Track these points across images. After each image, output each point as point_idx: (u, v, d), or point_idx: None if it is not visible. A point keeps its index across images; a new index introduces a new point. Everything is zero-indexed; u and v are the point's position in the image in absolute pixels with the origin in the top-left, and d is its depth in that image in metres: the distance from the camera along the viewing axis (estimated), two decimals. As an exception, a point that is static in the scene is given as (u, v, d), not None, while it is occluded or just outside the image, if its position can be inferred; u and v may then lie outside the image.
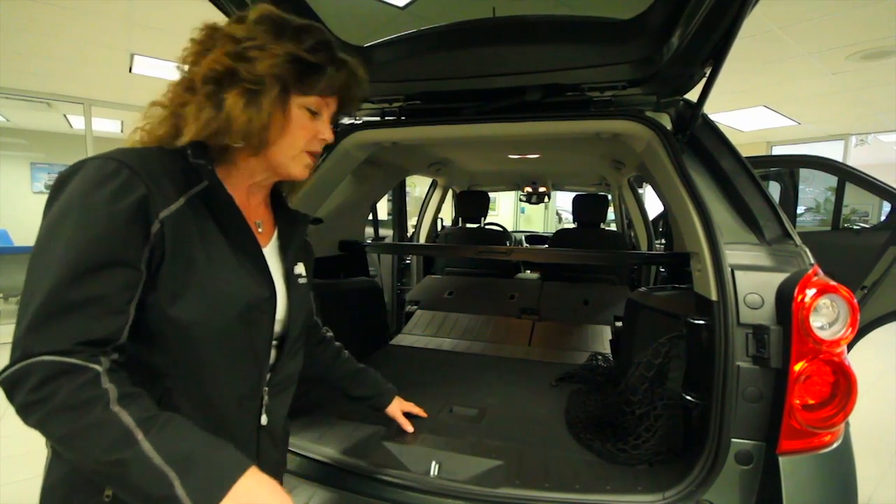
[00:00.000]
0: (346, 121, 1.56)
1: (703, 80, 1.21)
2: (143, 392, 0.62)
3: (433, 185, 3.69)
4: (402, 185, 3.06)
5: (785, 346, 1.02)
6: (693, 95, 1.31)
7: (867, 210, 4.78)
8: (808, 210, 5.55)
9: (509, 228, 5.02)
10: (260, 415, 0.80)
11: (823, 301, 1.01)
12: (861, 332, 2.16)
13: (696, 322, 1.22)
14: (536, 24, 1.27)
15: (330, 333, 1.27)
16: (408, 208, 3.21)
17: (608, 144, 1.91)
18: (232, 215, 0.73)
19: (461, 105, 1.56)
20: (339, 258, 2.16)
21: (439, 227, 3.97)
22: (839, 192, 2.45)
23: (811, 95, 4.98)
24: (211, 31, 0.72)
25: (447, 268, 3.59)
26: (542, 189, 3.86)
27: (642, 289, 2.14)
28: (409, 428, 1.36)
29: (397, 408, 1.36)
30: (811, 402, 1.03)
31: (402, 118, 1.64)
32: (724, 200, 1.25)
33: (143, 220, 0.63)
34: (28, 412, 0.56)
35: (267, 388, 0.80)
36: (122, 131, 7.10)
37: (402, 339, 2.66)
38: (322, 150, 0.83)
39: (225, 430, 0.73)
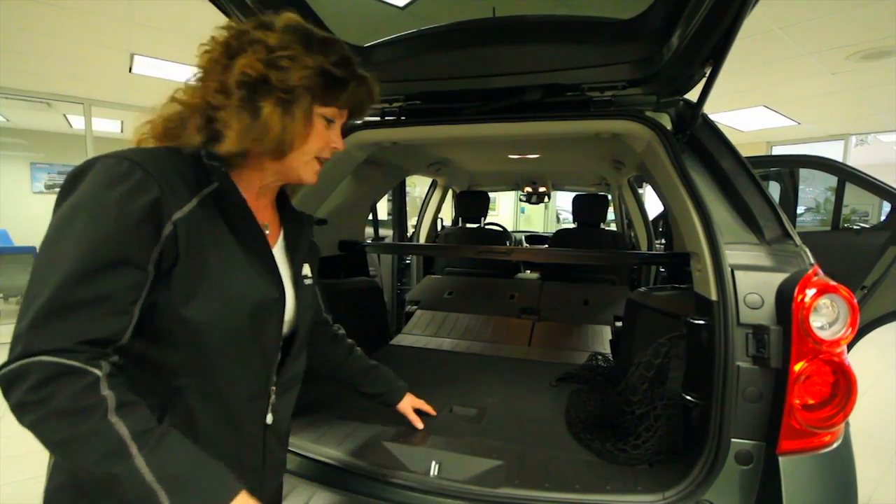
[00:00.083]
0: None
1: (703, 80, 1.20)
2: (141, 401, 0.62)
3: (433, 185, 3.69)
4: (402, 185, 3.06)
5: (785, 346, 1.02)
6: (693, 95, 1.31)
7: (867, 210, 4.78)
8: (808, 210, 5.55)
9: (509, 228, 5.02)
10: (266, 414, 0.80)
11: (823, 301, 1.01)
12: (861, 332, 2.16)
13: (696, 322, 1.22)
14: (536, 24, 1.27)
15: (342, 331, 1.29)
16: (407, 208, 3.21)
17: (608, 144, 1.91)
18: (244, 217, 0.74)
19: (461, 105, 1.56)
20: (339, 258, 2.16)
21: (439, 227, 3.97)
22: (839, 192, 2.45)
23: (811, 95, 4.98)
24: (238, 34, 0.71)
25: (447, 268, 3.59)
26: (542, 189, 3.87)
27: (642, 289, 2.14)
28: (420, 425, 1.39)
29: (408, 404, 1.39)
30: (811, 402, 1.03)
31: (402, 118, 1.64)
32: (724, 200, 1.25)
33: (155, 221, 0.63)
34: (23, 412, 0.56)
35: (274, 388, 0.81)
36: (122, 131, 7.10)
37: (402, 339, 2.66)
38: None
39: (234, 429, 0.74)
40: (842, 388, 1.02)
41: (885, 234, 2.29)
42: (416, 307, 3.05)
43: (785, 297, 1.04)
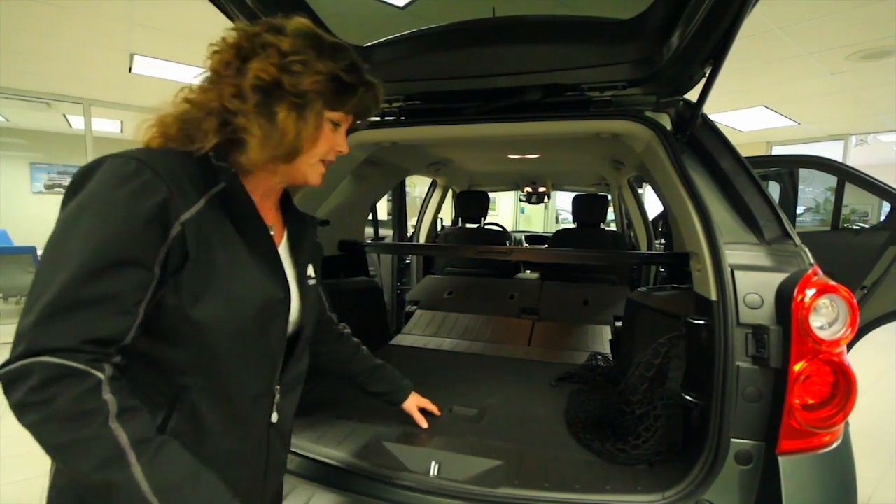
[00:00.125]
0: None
1: (703, 80, 1.21)
2: (142, 406, 0.62)
3: (433, 185, 3.69)
4: (402, 185, 3.06)
5: (784, 346, 1.02)
6: (693, 95, 1.31)
7: (867, 210, 4.79)
8: (807, 210, 5.55)
9: (509, 228, 5.02)
10: (271, 413, 0.81)
11: (823, 301, 1.01)
12: (861, 332, 2.16)
13: (696, 322, 1.22)
14: (536, 24, 1.27)
15: (347, 330, 1.30)
16: (407, 208, 3.21)
17: (608, 144, 1.91)
18: (251, 218, 0.74)
19: (461, 105, 1.56)
20: (338, 258, 2.16)
21: (439, 227, 3.97)
22: (839, 192, 2.46)
23: (811, 95, 4.98)
24: (250, 37, 0.71)
25: (447, 268, 3.59)
26: (541, 189, 3.86)
27: (642, 289, 2.14)
28: (424, 424, 1.40)
29: (413, 403, 1.41)
30: (811, 401, 1.03)
31: (402, 118, 1.64)
32: (723, 200, 1.25)
33: (163, 222, 0.63)
34: (24, 412, 0.56)
35: (278, 387, 0.82)
36: (121, 131, 7.10)
37: (402, 339, 2.66)
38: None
39: (239, 428, 0.75)
40: (841, 388, 1.02)
41: (884, 234, 2.29)
42: (415, 307, 3.05)
43: (785, 297, 1.04)
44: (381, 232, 3.04)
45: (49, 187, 7.37)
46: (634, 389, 1.40)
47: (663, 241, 2.99)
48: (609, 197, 3.77)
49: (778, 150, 7.30)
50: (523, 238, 5.48)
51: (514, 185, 4.19)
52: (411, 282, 3.41)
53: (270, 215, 0.85)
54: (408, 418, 1.43)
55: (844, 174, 2.39)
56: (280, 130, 0.70)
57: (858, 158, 6.80)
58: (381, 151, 1.88)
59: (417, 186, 7.72)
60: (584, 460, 1.30)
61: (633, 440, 1.30)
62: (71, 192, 0.63)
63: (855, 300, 1.00)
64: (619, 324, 2.64)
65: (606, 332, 2.66)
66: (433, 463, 1.21)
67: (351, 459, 1.25)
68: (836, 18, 3.16)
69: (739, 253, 1.15)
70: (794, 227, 1.21)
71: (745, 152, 1.34)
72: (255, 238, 0.74)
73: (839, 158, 6.00)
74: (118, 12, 3.25)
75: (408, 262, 3.32)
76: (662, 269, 2.76)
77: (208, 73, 0.73)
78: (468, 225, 3.87)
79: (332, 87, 0.74)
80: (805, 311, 1.00)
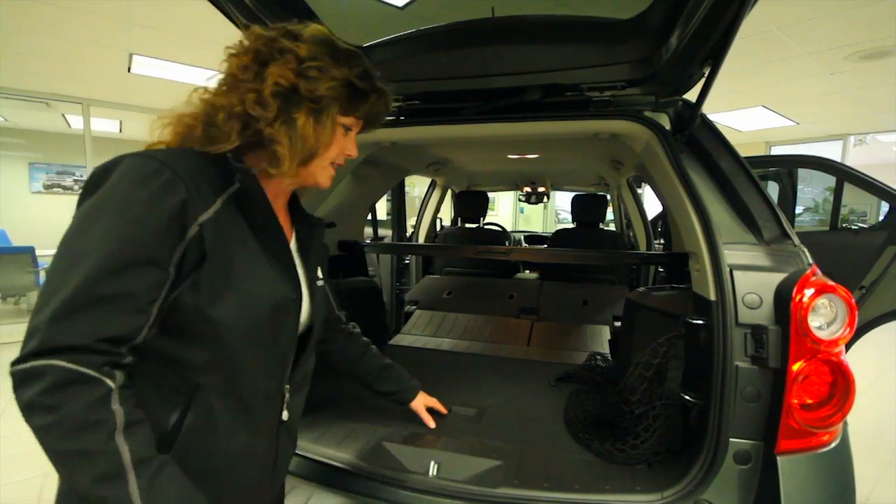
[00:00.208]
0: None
1: (702, 81, 1.21)
2: (146, 419, 0.62)
3: (432, 185, 3.69)
4: (401, 185, 3.06)
5: (783, 345, 1.02)
6: (692, 95, 1.31)
7: (865, 210, 4.79)
8: (806, 210, 5.56)
9: (508, 228, 5.02)
10: (282, 411, 0.82)
11: (822, 301, 1.01)
12: (859, 332, 2.17)
13: (695, 322, 1.22)
14: (535, 24, 1.27)
15: (357, 329, 1.32)
16: (406, 208, 3.21)
17: (607, 144, 1.91)
18: (267, 218, 0.75)
19: (460, 105, 1.55)
20: (338, 258, 2.16)
21: (438, 228, 3.97)
22: (837, 192, 2.46)
23: (810, 95, 4.99)
24: (268, 41, 0.73)
25: (446, 268, 3.59)
26: (541, 189, 3.87)
27: (641, 289, 2.14)
28: (431, 424, 1.41)
29: (421, 403, 1.43)
30: (809, 401, 1.03)
31: (402, 118, 1.64)
32: (722, 200, 1.25)
33: (181, 223, 0.63)
34: (32, 413, 0.56)
35: (288, 386, 0.83)
36: (120, 131, 7.09)
37: (401, 339, 2.66)
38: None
39: (251, 426, 0.76)
40: (840, 387, 1.02)
41: (883, 233, 2.29)
42: (415, 307, 3.05)
43: (783, 297, 1.04)
44: (381, 232, 3.04)
45: (48, 187, 7.36)
46: (633, 389, 1.41)
47: (662, 241, 2.99)
48: (608, 197, 3.77)
49: (777, 150, 7.31)
50: (522, 238, 5.49)
51: (513, 185, 4.20)
52: (410, 282, 3.41)
53: (280, 217, 0.86)
54: (406, 418, 1.43)
55: (843, 174, 2.40)
56: (300, 136, 0.72)
57: (857, 158, 6.81)
58: (381, 151, 1.88)
59: (417, 186, 7.72)
60: (584, 460, 1.30)
61: (633, 440, 1.30)
62: (88, 190, 0.64)
63: (853, 300, 1.01)
64: (618, 324, 2.65)
65: (605, 332, 2.66)
66: (432, 463, 1.21)
67: (350, 459, 1.25)
68: (835, 19, 3.16)
69: (738, 253, 1.15)
70: (792, 227, 1.22)
71: (744, 152, 1.34)
72: (270, 238, 0.76)
73: (838, 158, 6.00)
74: (117, 12, 3.24)
75: (407, 262, 3.32)
76: (661, 269, 2.76)
77: (225, 76, 0.74)
78: (467, 225, 3.87)
79: (346, 93, 0.76)
80: (804, 310, 1.00)
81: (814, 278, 1.04)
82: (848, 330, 1.00)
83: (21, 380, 0.56)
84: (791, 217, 2.78)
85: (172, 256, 0.63)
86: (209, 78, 0.84)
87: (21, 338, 0.58)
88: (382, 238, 3.12)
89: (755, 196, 1.23)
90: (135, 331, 0.61)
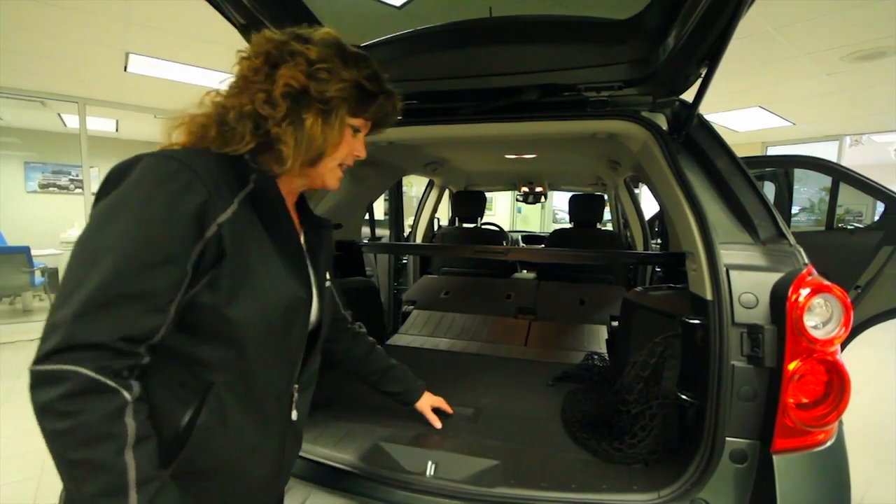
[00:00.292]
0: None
1: (699, 81, 1.21)
2: (153, 434, 0.63)
3: (430, 185, 3.68)
4: (399, 185, 3.06)
5: (779, 345, 1.03)
6: (689, 96, 1.31)
7: (861, 210, 4.81)
8: (802, 210, 5.59)
9: (506, 228, 5.03)
10: (291, 411, 0.83)
11: (817, 300, 1.02)
12: (855, 332, 2.18)
13: (692, 321, 1.22)
14: (533, 24, 1.27)
15: (363, 329, 1.34)
16: (404, 208, 3.21)
17: (604, 144, 1.92)
18: (282, 218, 0.77)
19: (458, 105, 1.55)
20: (335, 258, 2.16)
21: (436, 227, 3.97)
22: (833, 192, 2.47)
23: (806, 96, 5.01)
24: (279, 45, 0.74)
25: (444, 268, 3.59)
26: (538, 189, 3.87)
27: (638, 288, 2.14)
28: (438, 424, 1.42)
29: (427, 403, 1.43)
30: (805, 400, 1.04)
31: (399, 118, 1.63)
32: (719, 200, 1.25)
33: (200, 223, 0.64)
34: (47, 415, 0.56)
35: (297, 385, 0.84)
36: (116, 130, 7.06)
37: (399, 339, 2.66)
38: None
39: (262, 425, 0.76)
40: (835, 386, 1.02)
41: (878, 233, 2.31)
42: (412, 307, 3.05)
43: (779, 297, 1.05)
44: (378, 232, 3.04)
45: (43, 187, 7.32)
46: (630, 389, 1.41)
47: (659, 240, 3.00)
48: (605, 197, 3.77)
49: (773, 151, 7.33)
50: (520, 238, 5.49)
51: (510, 185, 4.20)
52: (408, 282, 3.41)
53: None
54: (404, 418, 1.43)
55: (839, 174, 2.41)
56: (308, 136, 0.73)
57: (853, 159, 6.84)
58: (378, 151, 1.87)
59: (414, 186, 7.72)
60: (581, 459, 1.30)
61: (629, 439, 1.30)
62: (107, 188, 0.64)
63: (849, 299, 1.01)
64: (615, 323, 2.65)
65: (603, 332, 2.67)
66: (430, 463, 1.21)
67: (347, 459, 1.25)
68: (831, 19, 3.17)
69: (735, 253, 1.15)
70: (788, 226, 1.22)
71: (740, 153, 1.34)
72: (284, 238, 0.77)
73: (833, 159, 6.04)
74: (114, 11, 3.23)
75: (404, 261, 3.32)
76: (658, 269, 2.77)
77: (237, 78, 0.75)
78: (465, 225, 3.87)
79: (356, 95, 0.77)
80: (799, 310, 1.00)
81: (809, 278, 1.04)
82: (843, 329, 1.01)
83: (40, 381, 0.56)
84: (787, 217, 2.80)
85: (191, 255, 0.64)
86: (222, 81, 0.86)
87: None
88: (380, 238, 3.11)
89: (751, 196, 1.24)
90: (154, 330, 0.62)
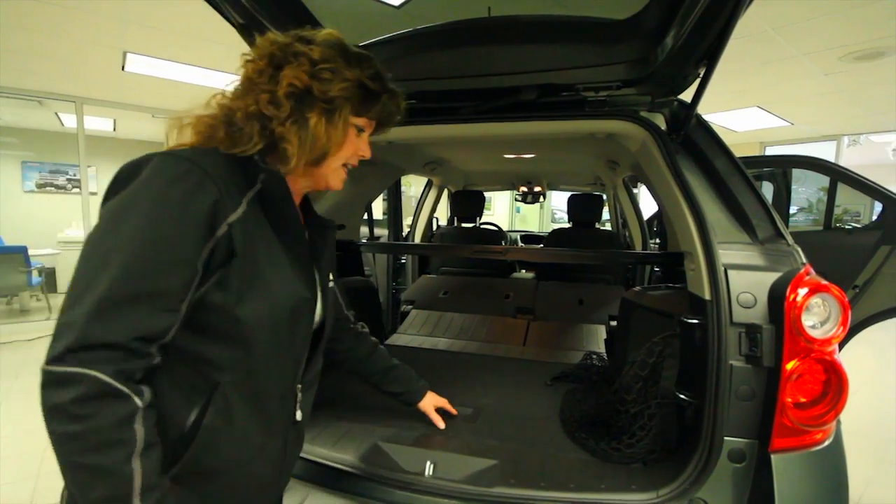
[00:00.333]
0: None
1: (698, 81, 1.21)
2: (159, 441, 0.62)
3: (428, 185, 3.68)
4: (398, 185, 3.06)
5: (777, 344, 1.03)
6: (687, 96, 1.32)
7: (859, 210, 4.83)
8: (800, 210, 5.60)
9: (504, 228, 5.03)
10: (295, 411, 0.83)
11: (815, 300, 1.02)
12: (852, 331, 2.18)
13: (690, 321, 1.22)
14: (531, 23, 1.27)
15: (366, 329, 1.34)
16: (403, 208, 3.20)
17: (603, 144, 1.92)
18: (289, 218, 0.77)
19: (456, 105, 1.55)
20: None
21: (434, 227, 3.97)
22: (831, 192, 2.47)
23: (804, 96, 5.02)
24: (282, 46, 0.74)
25: (442, 267, 3.59)
26: (537, 189, 3.87)
27: (637, 288, 2.14)
28: (441, 424, 1.42)
29: (430, 403, 1.43)
30: (803, 400, 1.04)
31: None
32: (717, 200, 1.26)
33: (211, 223, 0.64)
34: (57, 417, 0.55)
35: (300, 386, 0.84)
36: (114, 129, 7.04)
37: (398, 339, 2.66)
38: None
39: (266, 425, 0.77)
40: (833, 386, 1.03)
41: (876, 233, 2.31)
42: (411, 307, 3.05)
43: (777, 297, 1.05)
44: (377, 231, 3.04)
45: (40, 186, 7.29)
46: (629, 388, 1.41)
47: (658, 240, 3.01)
48: (604, 197, 3.77)
49: (771, 151, 7.35)
50: (519, 237, 5.49)
51: (509, 185, 4.20)
52: (407, 281, 3.41)
53: None
54: (403, 418, 1.43)
55: (837, 174, 2.41)
56: (312, 135, 0.73)
57: (850, 159, 6.86)
58: (377, 150, 1.86)
59: (413, 186, 7.72)
60: (579, 459, 1.30)
61: (628, 439, 1.30)
62: (117, 187, 0.64)
63: (846, 299, 1.01)
64: (613, 323, 2.65)
65: (601, 332, 2.67)
66: (428, 463, 1.21)
67: (346, 459, 1.24)
68: (830, 19, 3.18)
69: (733, 252, 1.15)
70: (786, 226, 1.22)
71: (738, 152, 1.35)
72: (291, 238, 0.77)
73: (831, 159, 6.05)
74: (112, 10, 3.22)
75: (403, 261, 3.32)
76: (657, 269, 2.77)
77: (241, 80, 0.76)
78: (464, 224, 3.87)
79: (359, 94, 0.78)
80: (797, 310, 1.00)
81: (807, 278, 1.04)
82: (841, 329, 1.01)
83: (53, 381, 0.55)
84: (785, 217, 2.80)
85: (202, 254, 0.64)
86: (227, 84, 0.86)
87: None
88: (379, 237, 3.11)
89: (750, 196, 1.24)
90: (167, 329, 0.62)
